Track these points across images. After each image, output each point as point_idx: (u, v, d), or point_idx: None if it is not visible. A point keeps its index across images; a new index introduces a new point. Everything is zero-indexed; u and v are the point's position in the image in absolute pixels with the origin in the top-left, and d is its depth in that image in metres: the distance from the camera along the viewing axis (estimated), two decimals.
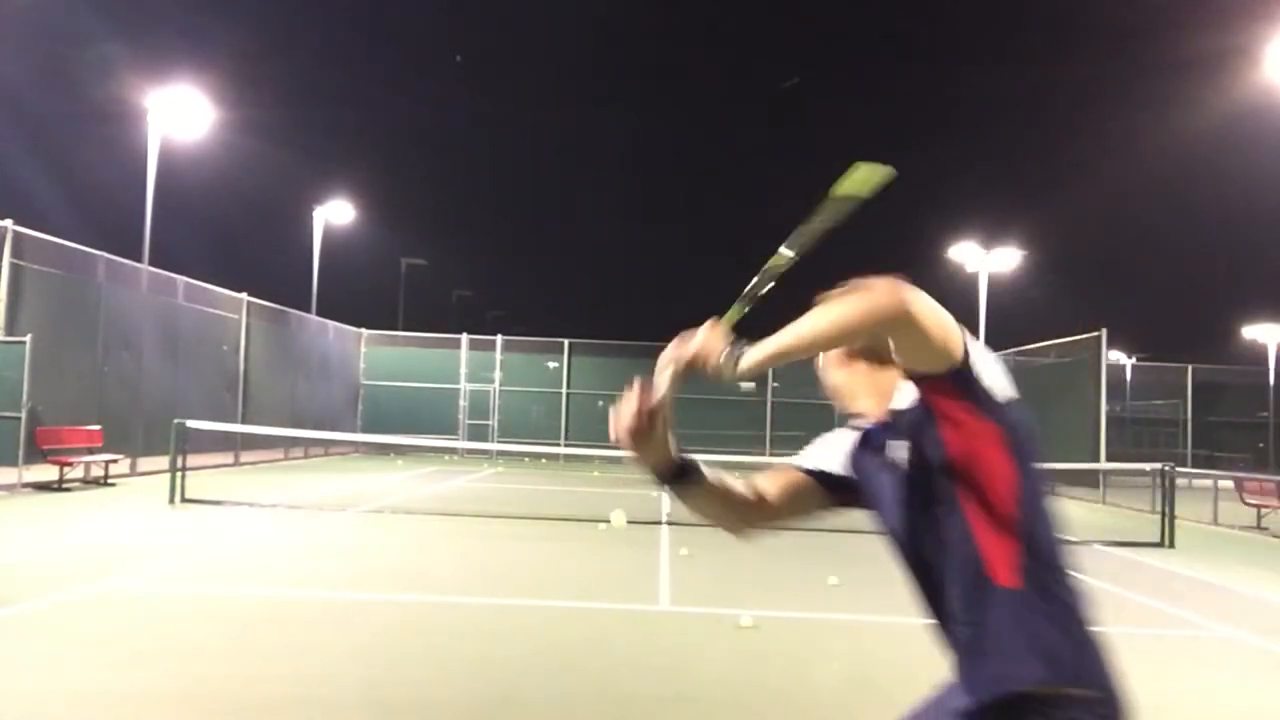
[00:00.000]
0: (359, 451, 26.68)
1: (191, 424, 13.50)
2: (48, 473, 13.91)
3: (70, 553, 8.68)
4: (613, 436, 1.89)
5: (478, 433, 28.09)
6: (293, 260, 34.24)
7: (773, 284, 1.86)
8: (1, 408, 13.26)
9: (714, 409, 29.21)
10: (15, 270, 13.95)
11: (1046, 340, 22.95)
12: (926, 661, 6.63)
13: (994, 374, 1.75)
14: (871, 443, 1.95)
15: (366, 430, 26.58)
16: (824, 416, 30.98)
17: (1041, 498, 1.76)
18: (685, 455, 1.96)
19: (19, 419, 13.26)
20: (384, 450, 26.45)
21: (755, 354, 1.76)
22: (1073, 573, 1.76)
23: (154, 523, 10.90)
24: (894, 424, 1.88)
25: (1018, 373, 25.71)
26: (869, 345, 1.94)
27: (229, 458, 19.90)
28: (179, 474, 12.69)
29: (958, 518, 1.74)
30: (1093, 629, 1.73)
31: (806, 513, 2.12)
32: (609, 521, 11.79)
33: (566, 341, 29.09)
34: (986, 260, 31.49)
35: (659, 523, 12.68)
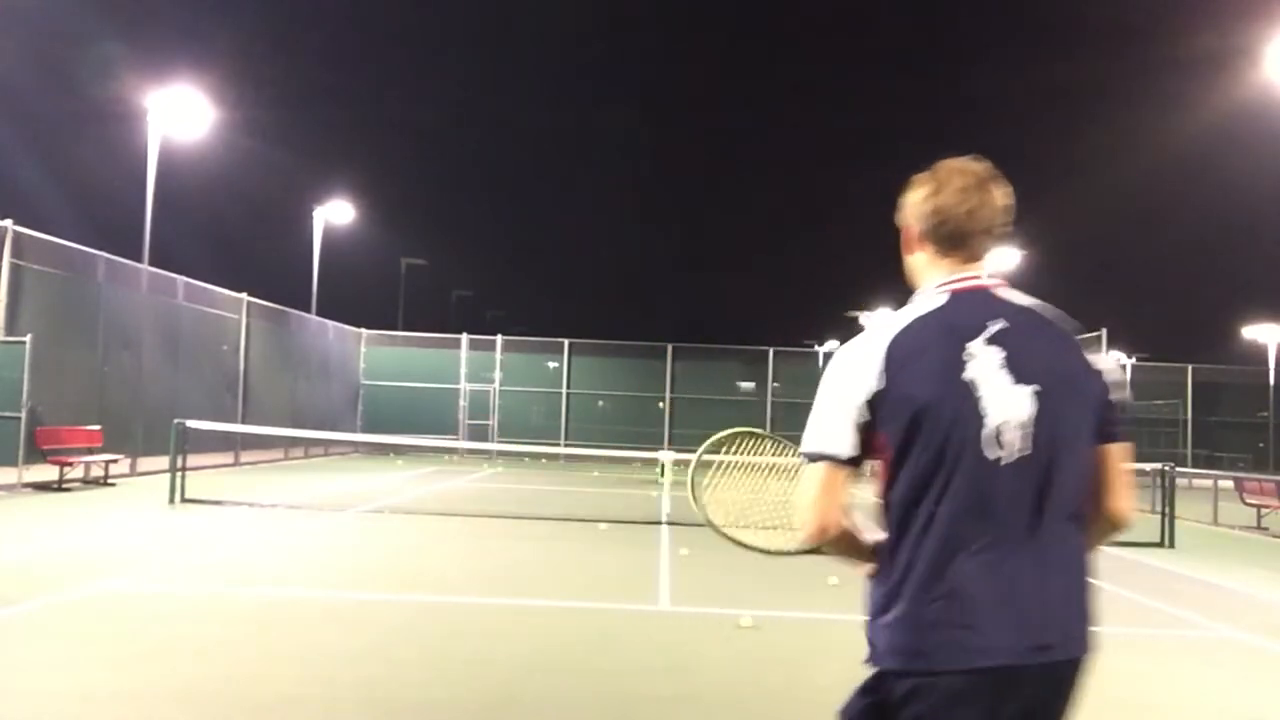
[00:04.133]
0: (359, 451, 26.68)
1: (191, 424, 13.50)
2: (48, 473, 13.91)
3: (70, 553, 8.67)
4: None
5: (478, 433, 28.09)
6: (293, 260, 34.25)
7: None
8: (1, 408, 13.26)
9: (714, 409, 29.22)
10: (15, 270, 13.94)
11: None
12: None
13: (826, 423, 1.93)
14: None
15: (366, 430, 26.58)
16: None
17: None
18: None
19: (19, 419, 13.26)
20: (384, 450, 26.44)
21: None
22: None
23: (154, 523, 10.90)
24: None
25: None
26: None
27: (229, 458, 19.90)
28: (179, 474, 12.69)
29: None
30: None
31: None
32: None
33: (566, 341, 29.09)
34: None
35: (659, 523, 12.68)
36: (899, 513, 1.85)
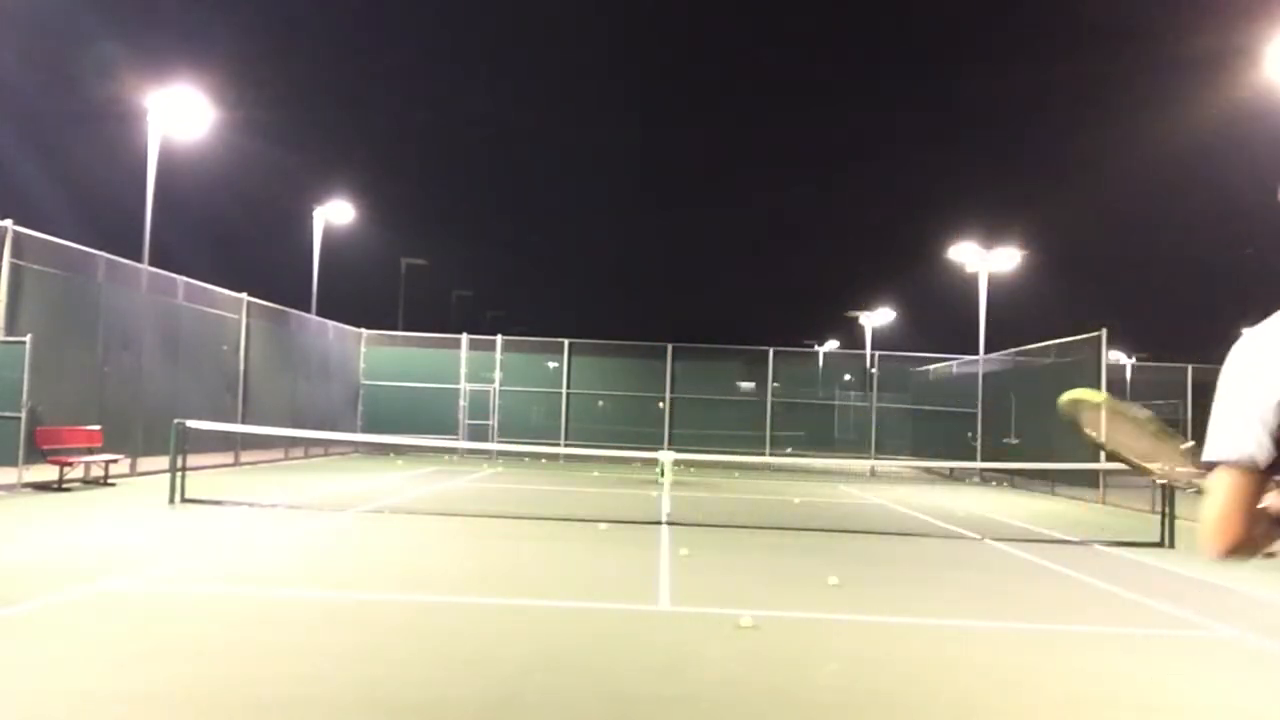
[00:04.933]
0: (359, 451, 26.68)
1: (191, 424, 13.50)
2: (48, 473, 13.91)
3: (70, 553, 8.67)
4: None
5: (478, 433, 28.08)
6: (293, 260, 34.27)
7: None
8: (1, 408, 13.26)
9: (714, 409, 29.24)
10: (15, 270, 13.94)
11: (1046, 340, 22.96)
12: (926, 661, 6.62)
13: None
14: None
15: (366, 430, 26.58)
16: (824, 416, 31.07)
17: None
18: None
19: (19, 419, 13.26)
20: (384, 450, 26.44)
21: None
22: None
23: (154, 523, 10.90)
24: None
25: (1018, 373, 25.73)
26: None
27: (229, 458, 19.90)
28: (179, 474, 12.69)
29: None
30: None
31: None
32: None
33: (566, 341, 29.08)
34: (986, 260, 31.50)
35: (659, 523, 12.68)
36: None
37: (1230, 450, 1.68)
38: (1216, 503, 1.70)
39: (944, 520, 14.85)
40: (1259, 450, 1.65)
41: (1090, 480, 19.61)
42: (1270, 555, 1.80)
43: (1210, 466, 1.71)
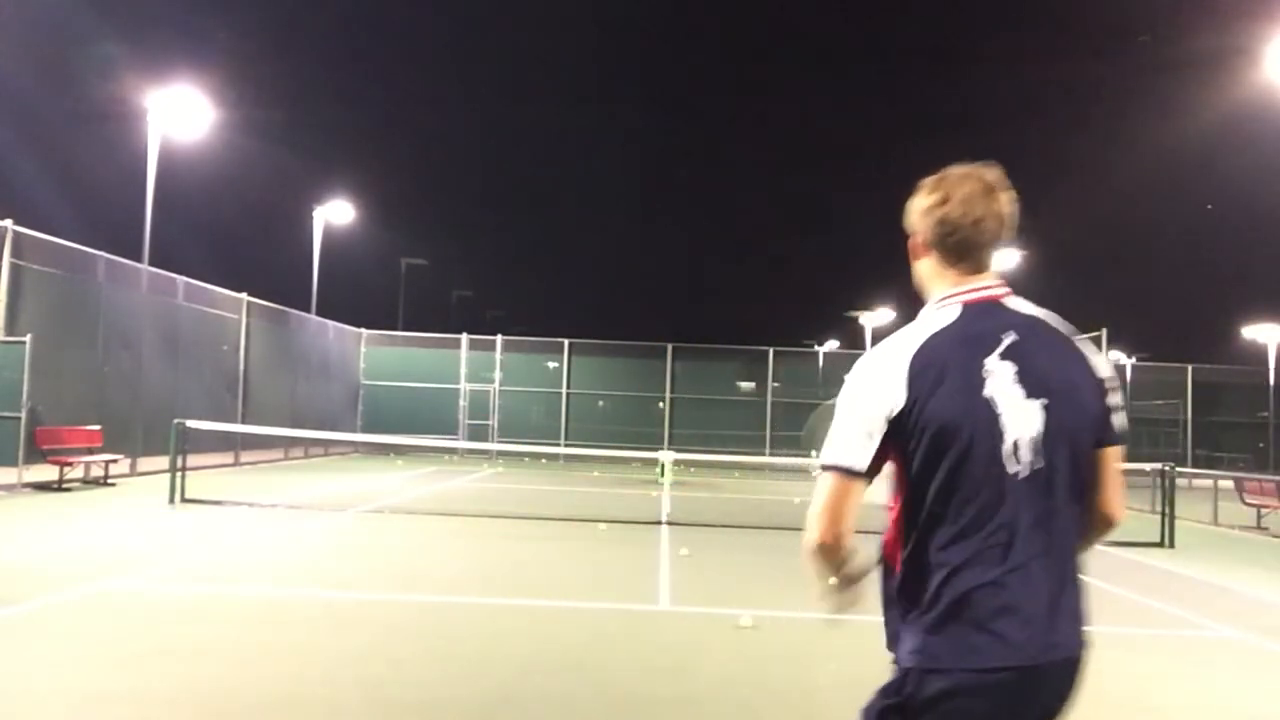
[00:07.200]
0: (359, 451, 26.67)
1: (191, 424, 13.50)
2: (48, 473, 13.90)
3: (70, 553, 8.68)
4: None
5: (478, 433, 28.09)
6: (293, 260, 34.18)
7: None
8: (1, 408, 13.26)
9: (714, 409, 29.24)
10: (15, 270, 13.94)
11: None
12: None
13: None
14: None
15: (366, 430, 26.58)
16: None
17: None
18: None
19: (19, 419, 13.25)
20: (384, 450, 26.44)
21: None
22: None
23: (154, 523, 10.90)
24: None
25: None
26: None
27: (229, 458, 19.89)
28: (179, 474, 12.69)
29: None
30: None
31: None
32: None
33: (566, 341, 29.08)
34: None
35: (659, 523, 12.69)
36: (923, 522, 1.88)
37: (838, 457, 1.90)
38: (820, 499, 1.93)
39: None
40: (861, 458, 1.88)
41: None
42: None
43: (824, 469, 1.92)
